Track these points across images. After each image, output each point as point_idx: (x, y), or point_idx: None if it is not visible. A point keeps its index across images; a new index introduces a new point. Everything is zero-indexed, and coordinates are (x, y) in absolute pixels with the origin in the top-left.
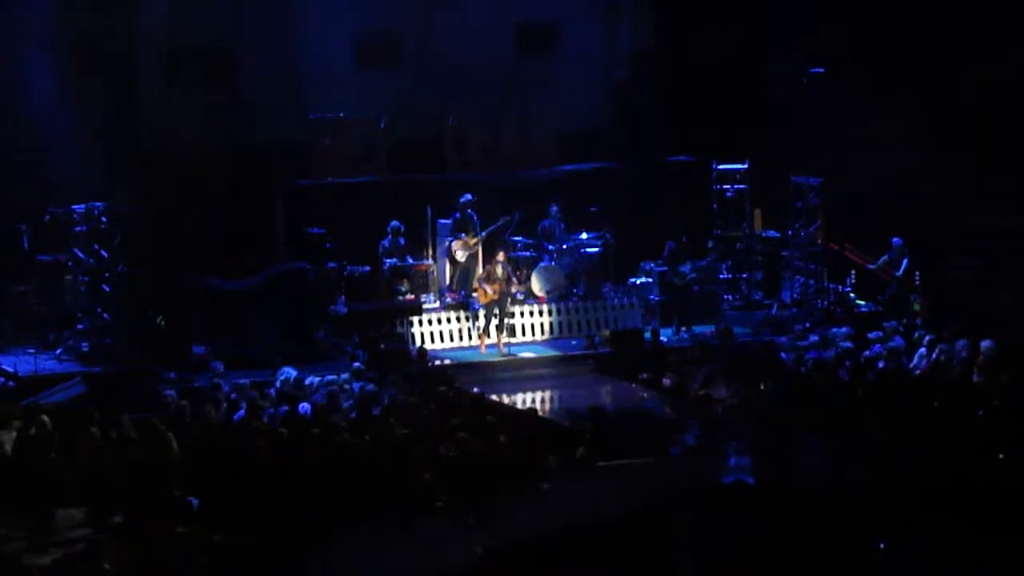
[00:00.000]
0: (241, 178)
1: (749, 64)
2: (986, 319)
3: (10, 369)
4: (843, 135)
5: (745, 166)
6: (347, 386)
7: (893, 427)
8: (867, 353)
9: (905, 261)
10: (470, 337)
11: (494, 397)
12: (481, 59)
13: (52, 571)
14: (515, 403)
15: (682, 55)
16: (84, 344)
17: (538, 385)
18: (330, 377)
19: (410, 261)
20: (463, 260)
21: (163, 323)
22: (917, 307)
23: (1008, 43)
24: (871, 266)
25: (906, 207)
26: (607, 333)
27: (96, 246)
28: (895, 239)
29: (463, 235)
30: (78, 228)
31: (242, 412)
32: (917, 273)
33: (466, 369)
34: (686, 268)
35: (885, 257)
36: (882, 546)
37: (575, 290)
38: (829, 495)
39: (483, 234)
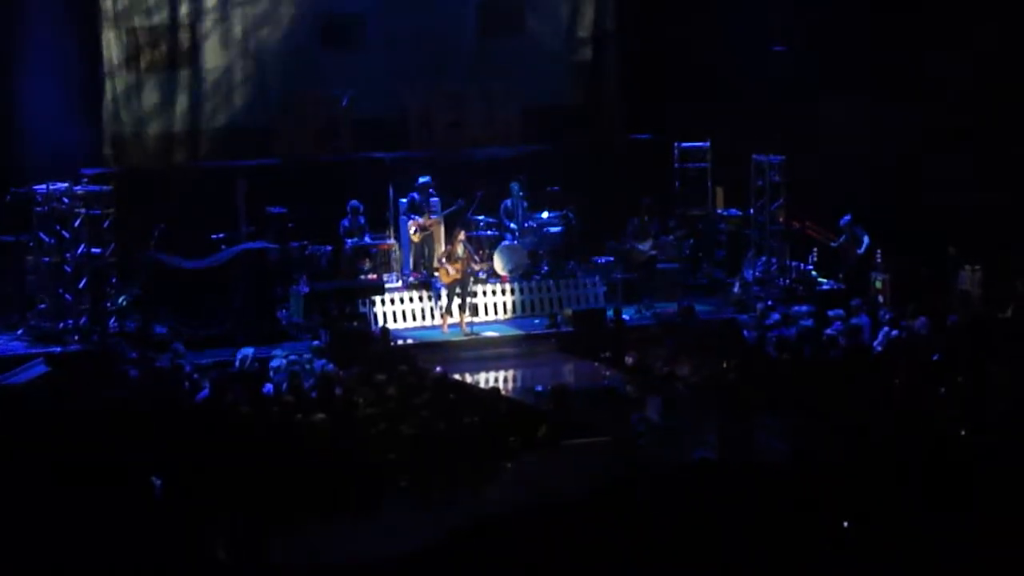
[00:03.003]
0: (203, 157)
1: (711, 43)
2: (947, 297)
3: None
4: (805, 113)
5: (707, 144)
6: (308, 366)
7: (855, 405)
8: (828, 331)
9: (866, 238)
10: (432, 316)
11: (457, 376)
12: (445, 39)
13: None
14: (478, 382)
15: (644, 35)
16: (46, 324)
17: (501, 364)
18: (293, 357)
19: (368, 240)
20: (417, 240)
21: (125, 303)
22: (879, 285)
23: (972, 19)
24: (834, 244)
25: (868, 185)
26: (569, 312)
27: (58, 227)
28: (844, 217)
29: (418, 216)
30: (39, 209)
31: (205, 392)
32: (879, 251)
33: (429, 348)
34: (645, 246)
35: (845, 236)
36: (847, 524)
37: (538, 269)
38: (792, 473)
39: (437, 215)
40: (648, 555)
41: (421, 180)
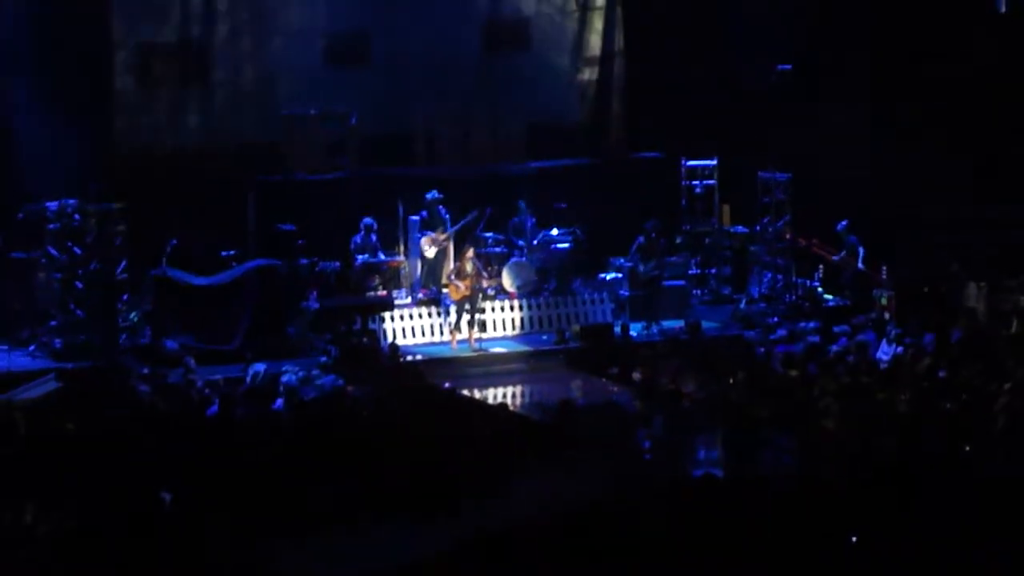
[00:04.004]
0: (213, 175)
1: (717, 61)
2: (953, 313)
3: None
4: (810, 131)
5: (714, 162)
6: (317, 382)
7: (861, 421)
8: (834, 347)
9: (861, 249)
10: (441, 333)
11: (465, 392)
12: (451, 56)
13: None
14: (486, 398)
15: (651, 52)
16: (57, 341)
17: (509, 380)
18: (303, 373)
19: (382, 257)
20: (432, 256)
21: (136, 319)
22: (884, 301)
23: (970, 36)
24: (835, 258)
25: (873, 201)
26: (577, 328)
27: (69, 243)
28: (841, 223)
29: (431, 232)
30: (51, 225)
31: (215, 408)
32: (884, 267)
33: (437, 364)
34: (648, 267)
35: (845, 250)
36: (854, 539)
37: (546, 286)
38: (798, 488)
39: (452, 230)
40: (652, 572)
41: (429, 196)
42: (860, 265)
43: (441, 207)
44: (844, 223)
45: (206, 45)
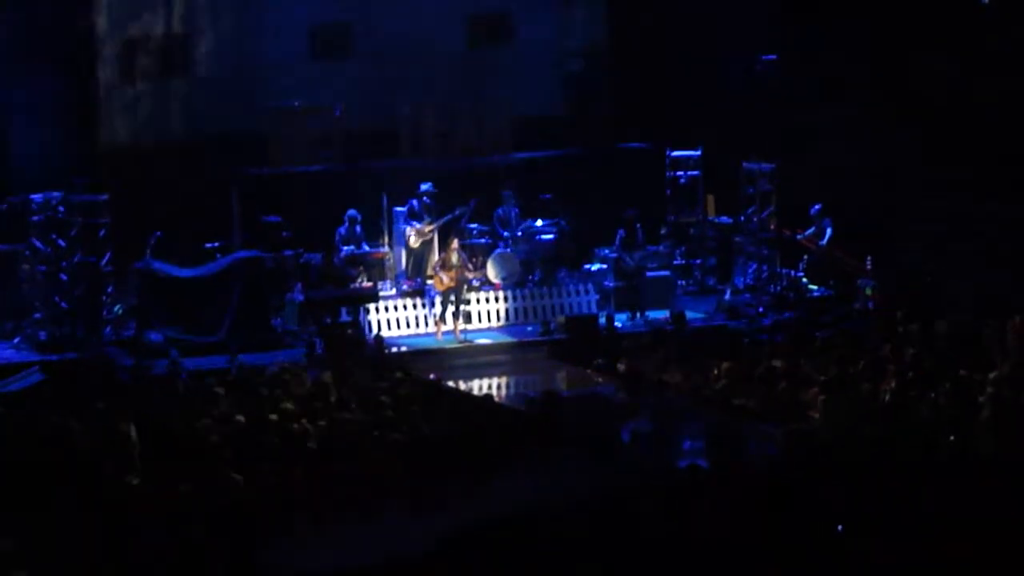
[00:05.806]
0: (197, 167)
1: (701, 51)
2: (937, 303)
3: None
4: (795, 121)
5: (698, 153)
6: (302, 374)
7: (846, 410)
8: (819, 335)
9: (829, 231)
10: (426, 324)
11: (450, 383)
12: (434, 48)
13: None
14: (471, 389)
15: (635, 43)
16: (41, 333)
17: (494, 371)
18: (288, 365)
19: (366, 248)
20: (416, 247)
21: (120, 312)
22: (869, 292)
23: (956, 28)
24: (799, 236)
25: (858, 192)
26: (562, 319)
27: (53, 235)
28: (815, 206)
29: (417, 223)
30: (35, 218)
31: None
32: (869, 258)
33: (422, 356)
34: (633, 259)
35: (813, 228)
36: (840, 528)
37: (531, 277)
38: (784, 479)
39: (438, 223)
40: (638, 563)
41: (424, 187)
42: (822, 242)
43: (427, 198)
44: (818, 206)
45: (189, 38)
